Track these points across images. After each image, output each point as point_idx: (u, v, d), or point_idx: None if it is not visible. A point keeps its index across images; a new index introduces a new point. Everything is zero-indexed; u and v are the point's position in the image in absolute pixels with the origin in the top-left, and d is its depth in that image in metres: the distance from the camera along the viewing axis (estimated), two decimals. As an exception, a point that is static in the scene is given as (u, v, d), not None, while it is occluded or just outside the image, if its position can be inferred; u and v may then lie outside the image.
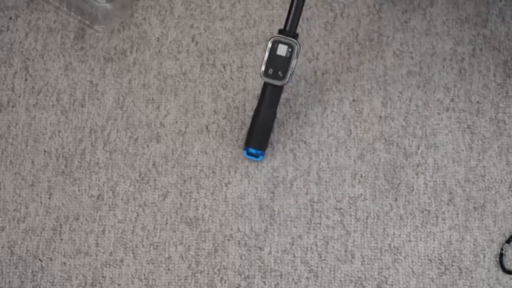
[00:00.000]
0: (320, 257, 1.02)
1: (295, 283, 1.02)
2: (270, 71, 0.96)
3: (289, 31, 0.96)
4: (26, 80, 1.18)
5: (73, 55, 1.19)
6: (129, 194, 1.09)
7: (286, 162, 1.08)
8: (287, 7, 1.17)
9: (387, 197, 1.05)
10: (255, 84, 1.13)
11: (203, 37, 1.17)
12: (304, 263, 1.02)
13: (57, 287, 1.05)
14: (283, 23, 1.16)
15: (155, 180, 1.09)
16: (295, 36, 0.97)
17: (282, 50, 0.96)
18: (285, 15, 1.17)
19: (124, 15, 1.20)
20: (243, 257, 1.04)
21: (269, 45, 0.95)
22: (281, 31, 0.97)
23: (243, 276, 1.03)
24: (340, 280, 1.01)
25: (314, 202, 1.05)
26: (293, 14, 0.94)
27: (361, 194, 1.05)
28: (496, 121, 1.07)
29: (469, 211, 1.03)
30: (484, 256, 1.01)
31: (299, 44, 0.96)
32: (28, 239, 1.08)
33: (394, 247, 1.02)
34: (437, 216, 1.03)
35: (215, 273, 1.03)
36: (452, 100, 1.09)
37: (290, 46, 0.94)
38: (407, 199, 1.04)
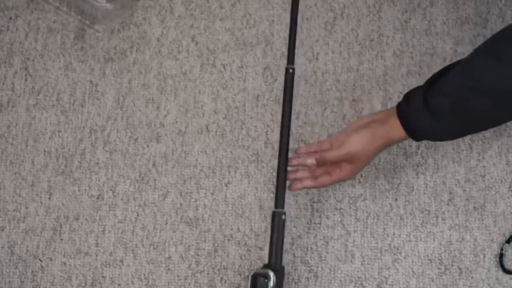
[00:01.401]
0: (320, 257, 1.02)
1: (295, 283, 1.02)
2: None
3: (273, 263, 0.92)
4: (26, 80, 1.18)
5: (73, 55, 1.19)
6: (129, 194, 1.09)
7: (286, 162, 1.08)
8: (287, 7, 1.17)
9: (387, 197, 1.05)
10: (255, 84, 1.13)
11: (203, 37, 1.17)
12: (304, 263, 1.02)
13: (57, 287, 1.05)
14: (283, 23, 1.16)
15: (155, 180, 1.09)
16: (276, 269, 0.91)
17: (261, 283, 0.90)
18: (285, 15, 1.17)
19: (124, 15, 1.20)
20: (243, 257, 1.04)
21: (249, 279, 0.91)
22: (265, 265, 0.92)
23: (243, 276, 1.03)
24: (340, 280, 1.01)
25: (314, 202, 1.05)
26: (275, 248, 0.92)
27: (361, 194, 1.05)
28: (496, 121, 1.07)
29: (469, 211, 1.03)
30: (484, 256, 1.01)
31: (275, 275, 0.89)
32: (28, 239, 1.08)
33: (394, 247, 1.02)
34: (437, 216, 1.03)
35: (215, 273, 1.03)
36: (452, 100, 1.09)
37: (266, 277, 0.89)
38: (407, 199, 1.04)
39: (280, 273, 0.91)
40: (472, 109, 0.83)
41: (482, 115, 0.84)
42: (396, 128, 0.89)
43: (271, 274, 0.89)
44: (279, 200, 0.93)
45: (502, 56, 0.80)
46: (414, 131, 0.89)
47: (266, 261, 0.91)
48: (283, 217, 0.92)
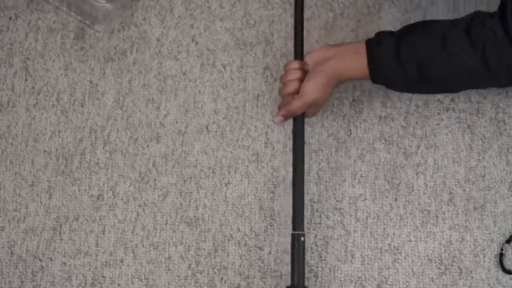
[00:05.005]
0: (320, 257, 1.02)
1: (295, 283, 1.02)
2: None
3: (296, 284, 0.93)
4: (26, 80, 1.18)
5: (73, 55, 1.19)
6: (129, 194, 1.09)
7: (286, 162, 1.08)
8: (287, 6, 1.17)
9: (387, 197, 1.05)
10: (255, 84, 1.13)
11: (203, 37, 1.17)
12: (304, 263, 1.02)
13: (57, 287, 1.05)
14: (283, 23, 1.16)
15: (155, 180, 1.09)
16: None
17: None
18: (285, 15, 1.17)
19: (124, 15, 1.20)
20: (243, 257, 1.04)
21: None
22: (287, 287, 0.95)
23: (243, 276, 1.03)
24: (340, 280, 1.01)
25: (314, 202, 1.05)
26: (297, 270, 0.93)
27: (361, 194, 1.05)
28: (496, 121, 1.07)
29: (469, 211, 1.03)
30: (484, 256, 1.01)
31: None
32: (28, 239, 1.08)
33: (394, 247, 1.02)
34: (437, 216, 1.03)
35: (215, 273, 1.03)
36: (452, 100, 1.09)
37: None
38: (407, 199, 1.04)
39: None
40: (432, 70, 0.90)
41: (437, 78, 0.91)
42: (358, 67, 0.93)
43: None
44: (298, 222, 0.94)
45: (476, 44, 0.86)
46: (377, 72, 0.93)
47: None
48: (302, 239, 0.94)
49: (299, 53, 1.00)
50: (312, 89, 0.95)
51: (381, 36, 0.93)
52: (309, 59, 0.97)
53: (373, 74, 0.93)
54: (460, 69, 0.88)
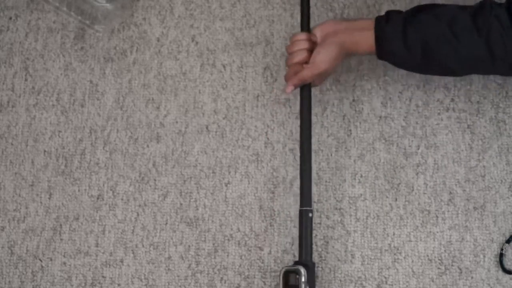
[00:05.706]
0: (320, 257, 1.03)
1: (295, 283, 1.02)
2: None
3: (304, 259, 0.94)
4: (26, 80, 1.18)
5: (73, 55, 1.19)
6: (129, 194, 1.09)
7: (286, 162, 1.08)
8: (287, 7, 1.17)
9: (387, 197, 1.05)
10: (255, 84, 1.13)
11: (203, 37, 1.17)
12: (304, 263, 1.02)
13: (57, 287, 1.05)
14: (283, 23, 1.16)
15: (155, 180, 1.09)
16: (307, 264, 0.93)
17: (292, 279, 0.93)
18: (285, 15, 1.17)
19: (124, 15, 1.20)
20: (243, 257, 1.04)
21: (281, 276, 0.93)
22: (296, 262, 0.95)
23: (243, 276, 1.03)
24: (340, 280, 1.01)
25: (314, 202, 1.05)
26: (304, 245, 0.94)
27: (361, 194, 1.05)
28: (496, 121, 1.07)
29: (469, 211, 1.03)
30: (484, 256, 1.01)
31: (305, 270, 0.91)
32: (28, 239, 1.08)
33: (394, 247, 1.02)
34: (437, 216, 1.03)
35: (215, 273, 1.03)
36: (452, 100, 1.09)
37: (297, 273, 0.92)
38: (407, 199, 1.04)
39: (311, 269, 0.94)
40: (437, 53, 0.91)
41: (441, 61, 0.93)
42: (365, 43, 0.95)
43: (302, 270, 0.92)
44: (305, 199, 0.96)
45: (481, 30, 0.88)
46: (383, 51, 0.95)
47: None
48: (310, 214, 0.95)
49: (305, 26, 1.01)
50: (324, 59, 0.96)
51: (390, 15, 0.94)
52: (319, 31, 0.99)
53: (380, 52, 0.95)
54: (464, 53, 0.90)
